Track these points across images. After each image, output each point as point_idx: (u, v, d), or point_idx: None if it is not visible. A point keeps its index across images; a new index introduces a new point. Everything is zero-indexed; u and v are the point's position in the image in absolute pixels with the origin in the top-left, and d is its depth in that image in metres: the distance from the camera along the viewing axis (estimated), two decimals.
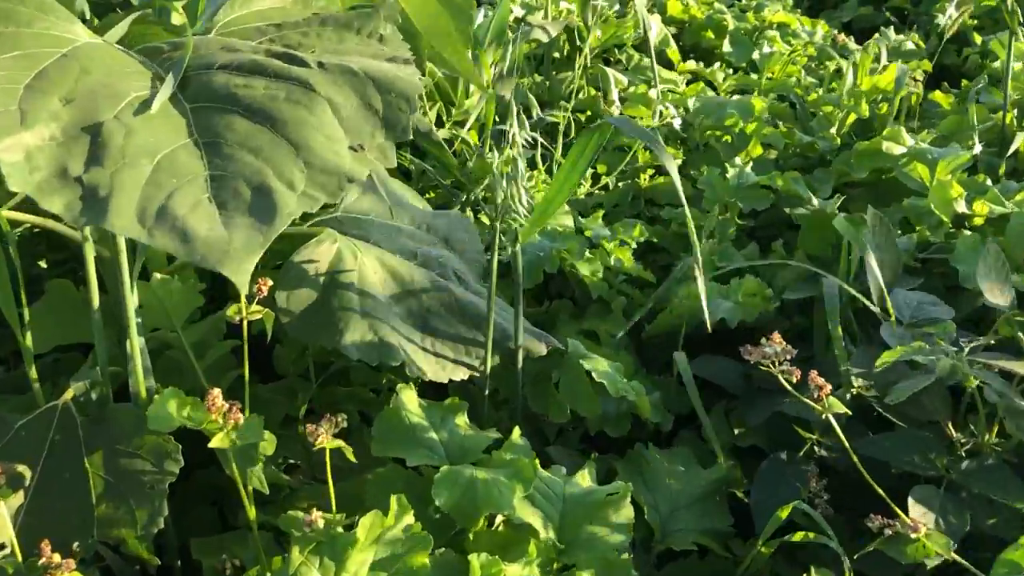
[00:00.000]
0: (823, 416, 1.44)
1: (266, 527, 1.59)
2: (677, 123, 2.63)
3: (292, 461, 1.85)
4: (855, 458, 1.53)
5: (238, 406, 1.37)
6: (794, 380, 1.43)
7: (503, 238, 1.50)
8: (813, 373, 1.43)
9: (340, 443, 1.37)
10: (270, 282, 1.48)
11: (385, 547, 1.37)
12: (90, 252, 1.51)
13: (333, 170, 1.26)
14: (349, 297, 1.67)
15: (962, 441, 1.71)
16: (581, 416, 2.01)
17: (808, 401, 1.45)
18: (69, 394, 1.62)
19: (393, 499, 1.38)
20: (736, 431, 2.01)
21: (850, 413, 1.49)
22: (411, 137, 1.35)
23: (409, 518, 1.40)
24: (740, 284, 2.04)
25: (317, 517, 1.34)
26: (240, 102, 1.29)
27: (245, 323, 1.48)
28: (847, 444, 1.53)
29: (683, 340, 2.11)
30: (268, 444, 1.48)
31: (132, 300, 1.46)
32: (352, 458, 1.39)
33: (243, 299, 1.47)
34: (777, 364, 1.44)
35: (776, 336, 1.44)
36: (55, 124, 1.20)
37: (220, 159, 1.24)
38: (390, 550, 1.37)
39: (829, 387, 1.42)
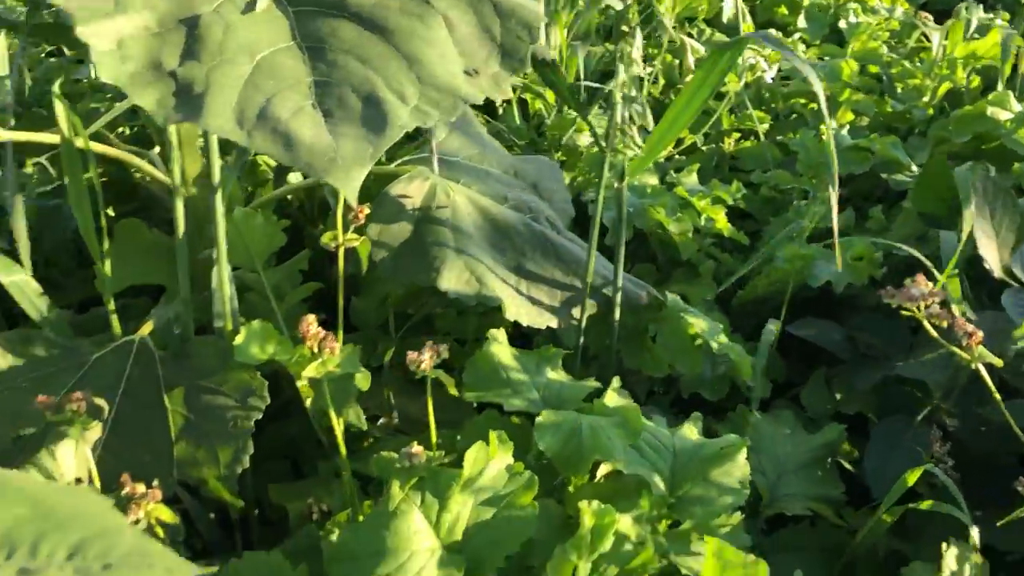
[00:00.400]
0: (971, 365, 1.31)
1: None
2: (770, 76, 2.51)
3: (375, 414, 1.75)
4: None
5: (332, 336, 1.28)
6: (944, 326, 1.30)
7: (609, 172, 1.39)
8: (960, 320, 1.30)
9: (442, 373, 1.27)
10: (366, 209, 1.38)
11: (487, 488, 1.27)
12: (176, 166, 1.42)
13: (447, 88, 1.16)
14: (444, 234, 1.57)
15: None
16: (673, 379, 1.90)
17: (956, 349, 1.32)
18: (147, 328, 1.54)
19: (493, 436, 1.27)
20: (839, 397, 1.88)
21: (1002, 363, 1.35)
22: (529, 68, 1.26)
23: (509, 458, 1.29)
24: (847, 247, 1.91)
25: (419, 450, 1.24)
26: (348, 8, 1.21)
27: (341, 250, 1.38)
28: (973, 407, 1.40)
29: (776, 309, 1.98)
30: (363, 379, 1.38)
31: (222, 224, 1.38)
32: (454, 390, 1.29)
33: (339, 226, 1.37)
34: (923, 308, 1.30)
35: (921, 278, 1.31)
36: (150, 13, 1.11)
37: (325, 65, 1.15)
38: (492, 491, 1.27)
39: (980, 334, 1.29)
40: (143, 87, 1.07)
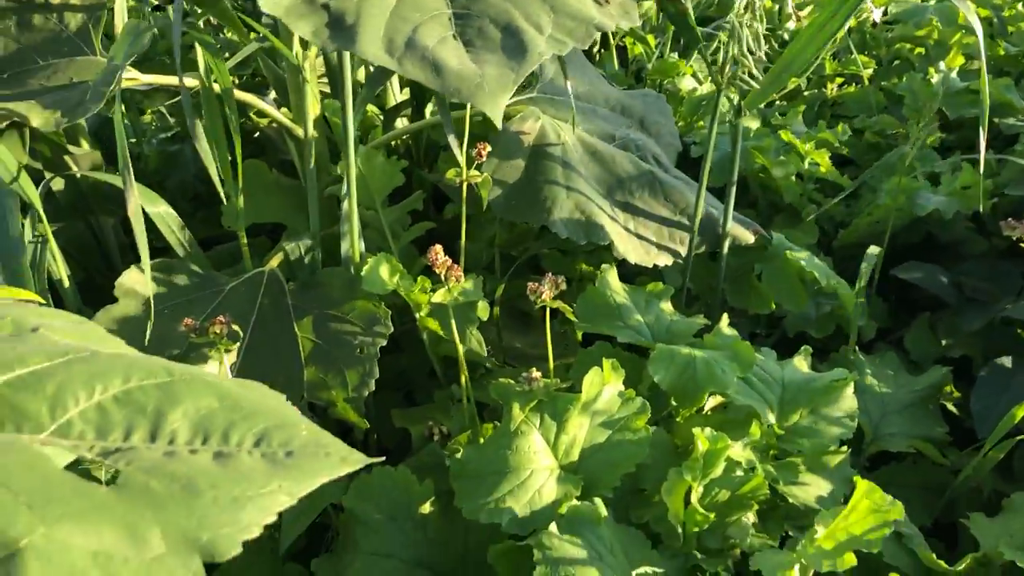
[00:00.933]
0: None
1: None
2: (876, 16, 2.46)
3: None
4: None
5: (457, 265, 1.34)
6: None
7: (730, 102, 1.41)
8: None
9: (561, 303, 1.32)
10: (489, 147, 1.43)
11: (602, 411, 1.32)
12: (302, 108, 1.49)
13: (580, 17, 1.20)
14: (555, 172, 1.61)
15: None
16: (777, 319, 1.92)
17: None
18: (275, 260, 1.62)
19: (607, 363, 1.33)
20: (944, 342, 1.88)
21: None
22: None
23: (621, 385, 1.34)
24: (955, 176, 1.89)
25: (538, 375, 1.30)
26: None
27: (464, 186, 1.44)
28: None
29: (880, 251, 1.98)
30: (483, 308, 1.45)
31: (353, 158, 1.44)
32: (572, 316, 1.34)
33: (462, 162, 1.43)
34: None
35: None
36: None
37: None
38: (606, 415, 1.32)
39: None
40: (299, 18, 1.14)
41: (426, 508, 1.32)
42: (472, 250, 1.96)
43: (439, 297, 1.31)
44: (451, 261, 1.31)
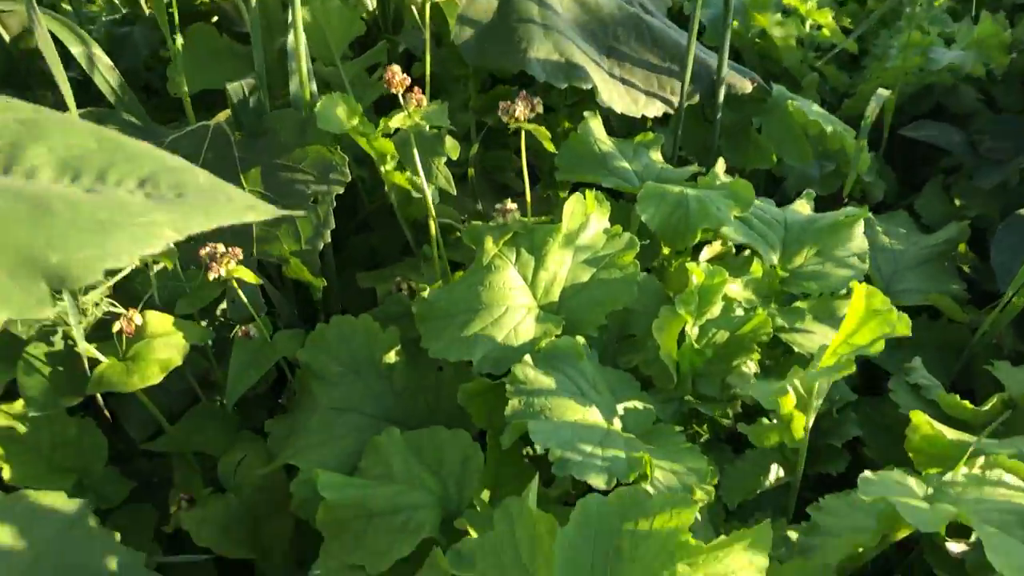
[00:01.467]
0: None
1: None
2: None
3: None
4: None
5: (419, 88, 1.19)
6: None
7: None
8: None
9: (536, 127, 1.17)
10: None
11: (586, 248, 1.18)
12: None
13: None
14: (531, 10, 1.45)
15: None
16: (778, 180, 1.78)
17: None
18: (222, 115, 1.47)
19: (590, 194, 1.18)
20: (958, 203, 1.74)
21: None
22: None
23: (606, 219, 1.20)
24: (972, 29, 1.73)
25: (513, 207, 1.15)
26: None
27: (427, 5, 1.28)
28: None
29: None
30: (452, 146, 1.30)
31: None
32: (551, 146, 1.19)
33: None
34: None
35: None
36: None
37: None
38: (591, 251, 1.18)
39: None
40: None
41: (391, 358, 1.18)
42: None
43: (398, 121, 1.16)
44: (409, 80, 1.15)
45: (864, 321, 1.01)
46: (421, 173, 1.20)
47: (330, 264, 1.49)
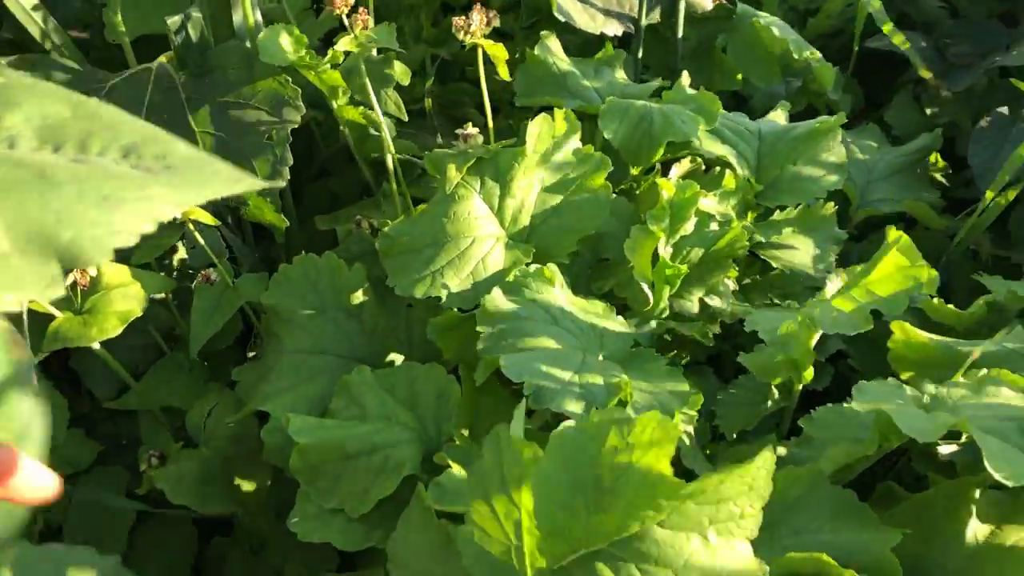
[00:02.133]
0: None
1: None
2: None
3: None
4: None
5: (365, 11, 1.12)
6: None
7: None
8: None
9: (493, 43, 1.12)
10: None
11: (554, 172, 1.13)
12: None
13: None
14: None
15: None
16: (743, 100, 1.73)
17: None
18: (165, 57, 1.39)
19: (559, 114, 1.13)
20: (928, 111, 1.71)
21: None
22: None
23: (577, 139, 1.15)
24: None
25: (474, 131, 1.10)
26: None
27: None
28: None
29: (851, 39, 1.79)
30: (403, 73, 1.24)
31: None
32: (505, 72, 1.14)
33: None
34: None
35: None
36: None
37: None
38: (560, 174, 1.13)
39: None
40: None
41: (359, 296, 1.13)
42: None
43: (344, 44, 1.09)
44: (355, 2, 1.09)
45: (893, 276, 0.98)
46: (373, 100, 1.14)
47: (290, 210, 1.43)
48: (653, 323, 1.12)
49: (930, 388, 0.93)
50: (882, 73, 1.93)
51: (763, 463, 0.74)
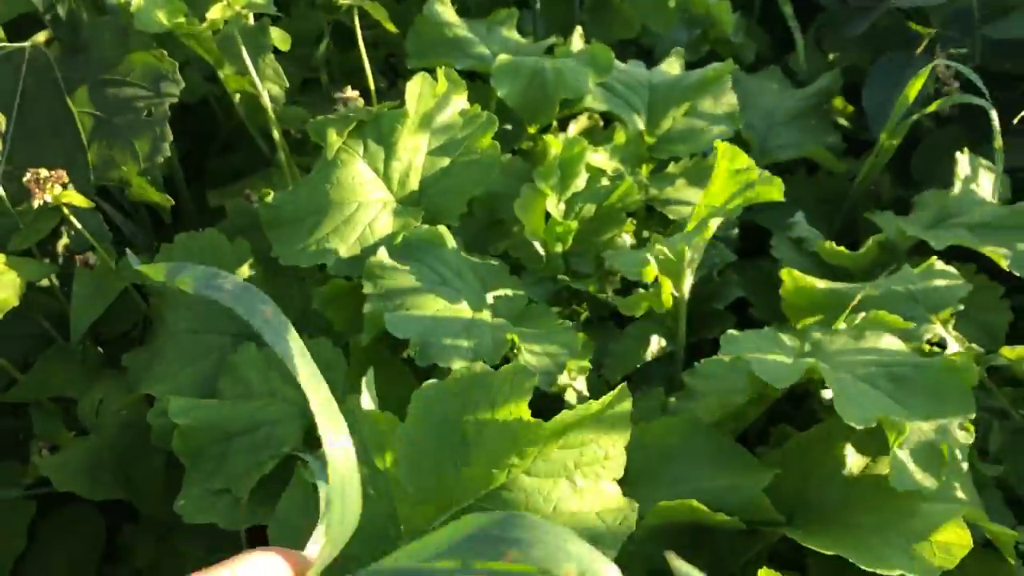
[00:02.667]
0: None
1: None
2: None
3: None
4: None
5: None
6: None
7: None
8: None
9: (372, 4, 1.08)
10: None
11: (440, 133, 1.11)
12: None
13: None
14: None
15: None
16: (647, 51, 1.72)
17: None
18: (41, 36, 1.33)
19: (441, 73, 1.10)
20: (831, 56, 1.71)
21: None
22: None
23: (463, 99, 1.13)
24: None
25: (354, 94, 1.07)
26: None
27: None
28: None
29: None
30: (282, 39, 1.20)
31: None
32: (390, 25, 1.11)
33: None
34: None
35: None
36: None
37: None
38: (447, 135, 1.11)
39: None
40: None
41: (245, 271, 1.10)
42: (300, 16, 1.68)
43: (217, 11, 1.05)
44: None
45: (727, 183, 0.97)
46: (251, 68, 1.10)
47: (182, 187, 1.39)
48: (549, 282, 1.11)
49: (815, 335, 0.93)
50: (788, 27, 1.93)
51: (618, 401, 0.74)
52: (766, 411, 1.11)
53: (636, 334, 1.13)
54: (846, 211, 1.45)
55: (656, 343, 1.14)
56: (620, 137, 1.19)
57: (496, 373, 0.77)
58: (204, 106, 1.65)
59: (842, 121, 1.62)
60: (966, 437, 0.79)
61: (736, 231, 1.36)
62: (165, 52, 1.23)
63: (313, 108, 1.55)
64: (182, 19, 1.15)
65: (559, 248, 1.10)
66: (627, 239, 1.19)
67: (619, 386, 0.75)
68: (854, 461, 0.84)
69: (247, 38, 1.13)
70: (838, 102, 1.61)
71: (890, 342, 0.91)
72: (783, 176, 1.45)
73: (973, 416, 0.81)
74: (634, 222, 1.22)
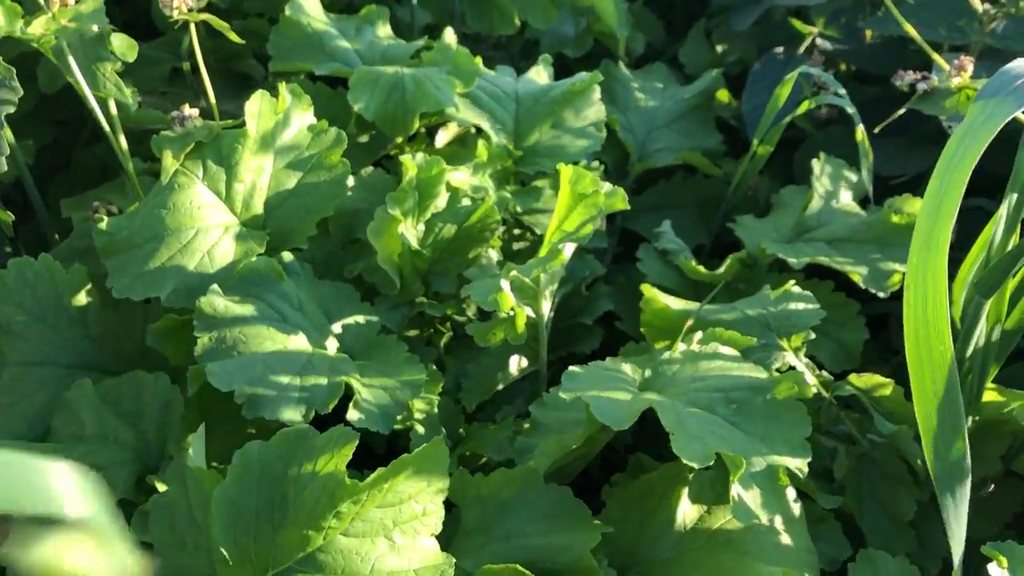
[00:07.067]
0: None
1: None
2: None
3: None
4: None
5: None
6: None
7: None
8: None
9: (209, 16, 1.03)
10: None
11: (286, 152, 1.06)
12: None
13: None
14: None
15: (991, 11, 1.40)
16: (532, 44, 1.68)
17: None
18: None
19: (282, 88, 1.05)
20: (719, 49, 1.69)
21: None
22: None
23: (308, 114, 1.08)
24: None
25: (193, 112, 1.02)
26: None
27: None
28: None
29: None
30: (125, 47, 1.13)
31: None
32: (233, 36, 1.05)
33: None
34: None
35: None
36: None
37: None
38: (293, 154, 1.06)
39: None
40: None
41: (81, 299, 1.05)
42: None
43: (38, 26, 0.99)
44: None
45: (572, 206, 0.95)
46: (81, 82, 1.04)
47: (33, 193, 1.32)
48: (404, 307, 1.09)
49: (656, 360, 0.92)
50: (682, 7, 1.91)
51: (433, 454, 0.72)
52: (635, 429, 1.11)
53: (496, 355, 1.11)
54: (723, 214, 1.44)
55: (516, 364, 1.12)
56: (482, 153, 1.15)
57: (319, 435, 0.75)
58: (69, 92, 1.57)
59: (728, 118, 1.61)
60: (801, 465, 0.79)
61: (610, 240, 1.34)
62: (0, 58, 1.15)
63: (181, 99, 1.48)
64: (19, 23, 1.08)
65: (416, 272, 1.07)
66: (494, 255, 1.17)
67: (433, 441, 0.73)
68: (688, 512, 0.83)
69: (85, 48, 1.07)
70: (723, 95, 1.60)
71: (727, 354, 0.90)
72: (661, 180, 1.45)
73: (809, 434, 0.80)
74: (504, 236, 1.20)
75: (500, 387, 1.11)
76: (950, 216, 0.67)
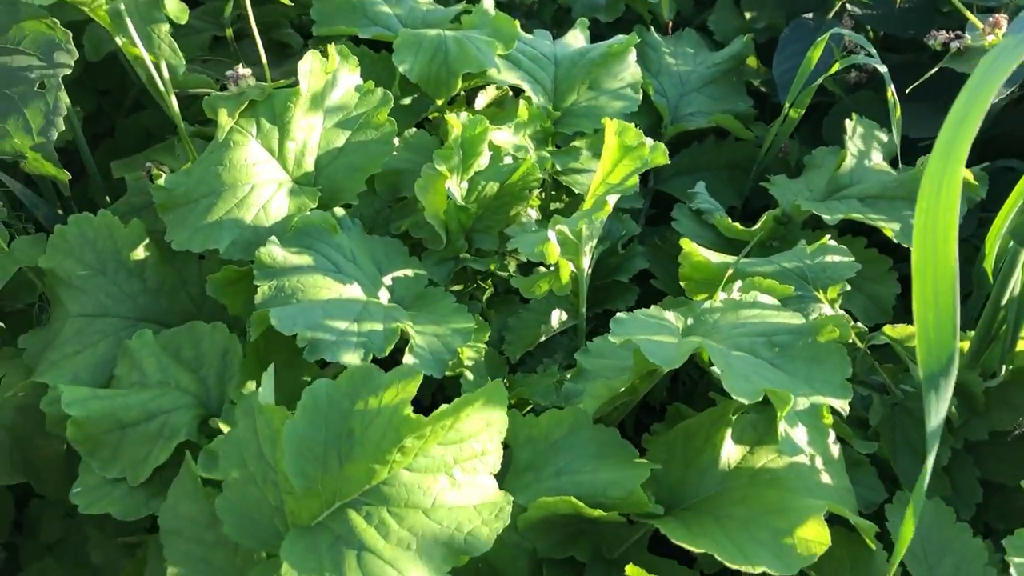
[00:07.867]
0: None
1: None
2: None
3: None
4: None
5: None
6: None
7: None
8: None
9: None
10: None
11: (335, 111, 1.10)
12: None
13: None
14: None
15: None
16: (565, 11, 1.70)
17: None
18: None
19: (331, 49, 1.08)
20: (748, 15, 1.71)
21: None
22: None
23: (356, 75, 1.11)
24: None
25: (247, 72, 1.05)
26: None
27: None
28: None
29: None
30: (179, 11, 1.17)
31: None
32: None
33: None
34: None
35: None
36: None
37: None
38: (342, 113, 1.10)
39: None
40: None
41: (139, 254, 1.09)
42: None
43: None
44: None
45: (618, 159, 0.98)
46: (138, 43, 1.07)
47: (86, 154, 1.35)
48: (450, 262, 1.12)
49: (697, 309, 0.95)
50: None
51: (493, 397, 0.75)
52: (669, 386, 1.15)
53: (537, 309, 1.14)
54: (755, 176, 1.47)
55: (557, 317, 1.15)
56: (523, 113, 1.18)
57: (384, 373, 0.78)
58: (112, 62, 1.60)
59: (757, 83, 1.63)
60: (843, 405, 0.82)
61: (644, 202, 1.37)
62: (58, 21, 1.19)
63: (221, 67, 1.52)
64: None
65: (460, 228, 1.10)
66: (533, 214, 1.20)
67: (492, 384, 0.77)
68: (731, 452, 0.87)
69: (140, 10, 1.10)
70: (752, 61, 1.62)
71: (767, 303, 0.93)
72: (693, 143, 1.48)
73: (850, 375, 0.84)
74: (541, 196, 1.23)
75: (543, 339, 1.14)
76: (972, 128, 0.68)
